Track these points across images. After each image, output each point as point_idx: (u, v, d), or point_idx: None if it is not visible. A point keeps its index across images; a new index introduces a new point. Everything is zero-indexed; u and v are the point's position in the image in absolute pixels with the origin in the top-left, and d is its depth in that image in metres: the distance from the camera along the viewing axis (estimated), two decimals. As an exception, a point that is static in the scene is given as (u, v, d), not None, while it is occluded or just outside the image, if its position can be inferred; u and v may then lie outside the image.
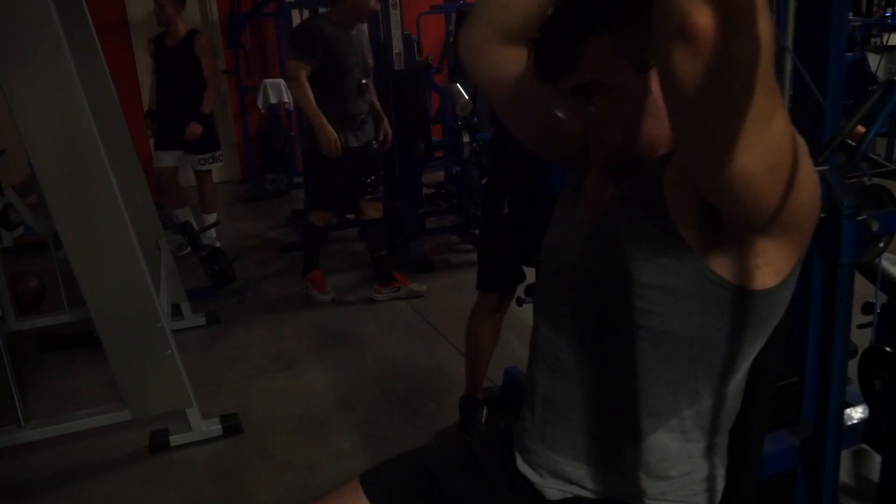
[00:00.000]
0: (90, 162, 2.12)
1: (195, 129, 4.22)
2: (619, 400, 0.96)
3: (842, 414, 1.52)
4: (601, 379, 0.97)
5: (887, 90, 1.44)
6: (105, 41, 3.07)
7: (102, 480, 2.29)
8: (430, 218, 4.88)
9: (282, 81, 6.05)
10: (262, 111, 6.29)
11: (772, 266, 0.85)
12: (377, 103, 3.70)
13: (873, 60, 5.47)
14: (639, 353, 0.92)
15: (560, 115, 0.94)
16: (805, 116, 1.51)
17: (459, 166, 4.67)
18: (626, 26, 0.87)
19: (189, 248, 4.11)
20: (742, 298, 0.86)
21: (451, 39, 5.52)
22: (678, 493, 0.97)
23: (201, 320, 3.50)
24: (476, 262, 2.37)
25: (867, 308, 1.91)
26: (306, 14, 5.21)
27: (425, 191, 5.28)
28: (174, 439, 2.43)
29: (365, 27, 3.80)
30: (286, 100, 6.04)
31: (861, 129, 1.45)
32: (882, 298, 1.83)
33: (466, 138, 4.19)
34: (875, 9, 6.52)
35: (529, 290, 2.33)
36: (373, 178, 3.58)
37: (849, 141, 1.43)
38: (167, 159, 4.37)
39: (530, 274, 2.00)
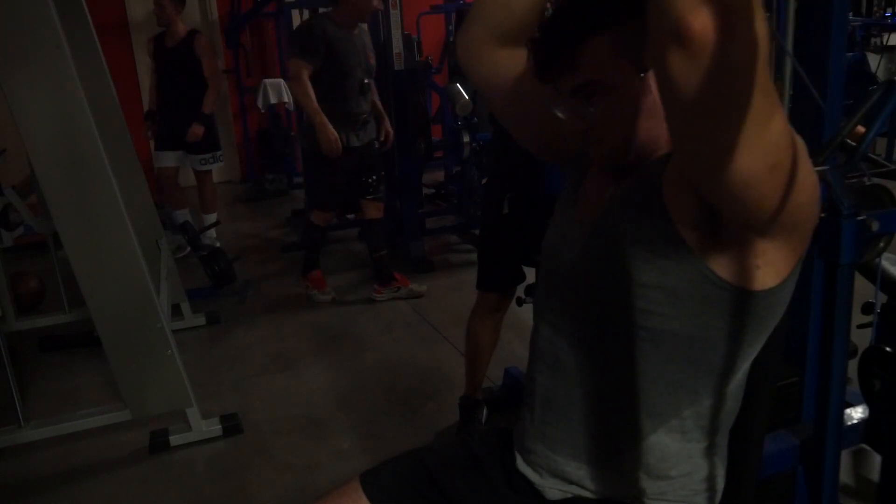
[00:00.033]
0: (90, 162, 2.12)
1: (197, 130, 4.22)
2: (619, 400, 0.96)
3: (842, 414, 1.52)
4: (601, 379, 0.97)
5: (887, 90, 1.44)
6: (105, 41, 3.07)
7: (102, 480, 2.29)
8: (430, 218, 4.88)
9: (282, 81, 6.05)
10: (262, 111, 6.29)
11: (772, 266, 0.85)
12: (379, 103, 3.70)
13: (873, 60, 5.47)
14: (639, 354, 0.92)
15: (560, 115, 0.94)
16: (805, 117, 1.51)
17: (459, 166, 4.67)
18: (626, 26, 0.87)
19: (189, 249, 4.11)
20: (742, 299, 0.86)
21: (451, 39, 5.52)
22: (678, 493, 0.97)
23: (201, 320, 3.50)
24: (476, 262, 2.37)
25: (867, 308, 1.91)
26: (306, 14, 5.20)
27: (425, 191, 5.28)
28: (174, 439, 2.43)
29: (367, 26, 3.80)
30: (286, 100, 6.03)
31: (861, 129, 1.45)
32: (882, 298, 1.83)
33: (466, 138, 4.19)
34: (875, 9, 6.53)
35: (529, 290, 2.33)
36: (374, 177, 3.58)
37: (849, 141, 1.43)
38: (168, 159, 4.36)
39: (530, 274, 2.00)
